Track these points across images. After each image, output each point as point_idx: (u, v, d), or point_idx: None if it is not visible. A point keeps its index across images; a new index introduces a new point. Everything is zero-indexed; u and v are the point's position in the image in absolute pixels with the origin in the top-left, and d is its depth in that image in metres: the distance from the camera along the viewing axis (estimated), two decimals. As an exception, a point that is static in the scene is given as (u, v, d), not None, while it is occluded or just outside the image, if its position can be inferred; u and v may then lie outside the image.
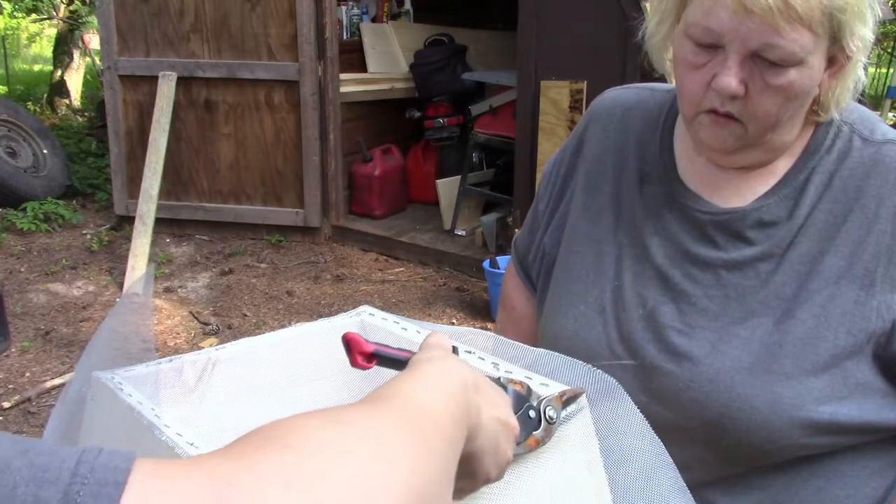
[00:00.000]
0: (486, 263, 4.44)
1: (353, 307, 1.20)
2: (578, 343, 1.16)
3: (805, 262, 1.05)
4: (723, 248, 1.10)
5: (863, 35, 0.99)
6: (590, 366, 0.93)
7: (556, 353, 0.97)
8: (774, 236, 1.07)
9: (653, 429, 1.00)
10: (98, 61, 7.74)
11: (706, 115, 1.03)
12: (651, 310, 1.12)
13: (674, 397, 1.08)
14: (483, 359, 0.99)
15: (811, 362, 1.02)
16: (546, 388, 0.92)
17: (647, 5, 1.11)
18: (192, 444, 0.83)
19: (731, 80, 0.97)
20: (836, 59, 1.01)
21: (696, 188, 1.14)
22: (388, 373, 1.10)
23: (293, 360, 1.10)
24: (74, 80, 9.45)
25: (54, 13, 9.82)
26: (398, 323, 1.12)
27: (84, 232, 5.72)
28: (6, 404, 3.54)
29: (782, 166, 1.10)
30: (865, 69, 1.05)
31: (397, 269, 5.16)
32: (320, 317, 1.08)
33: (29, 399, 3.60)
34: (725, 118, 1.02)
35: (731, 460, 1.09)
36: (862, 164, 1.06)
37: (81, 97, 9.58)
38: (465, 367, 0.73)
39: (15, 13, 11.44)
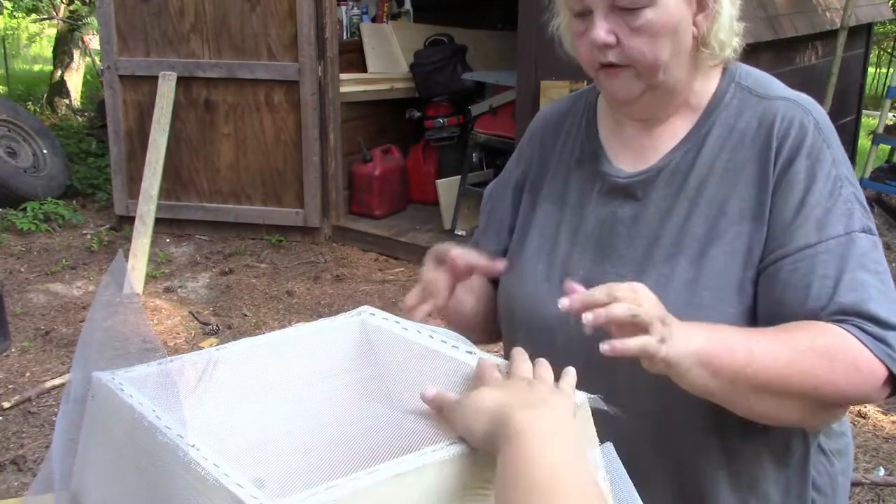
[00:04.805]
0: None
1: (354, 307, 1.20)
2: (534, 316, 1.30)
3: (713, 206, 1.20)
4: (642, 201, 1.25)
5: None
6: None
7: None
8: (685, 185, 1.22)
9: (598, 373, 1.10)
10: (98, 61, 7.74)
11: (601, 71, 1.20)
12: (588, 269, 1.26)
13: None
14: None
15: (727, 293, 1.16)
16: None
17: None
18: (193, 446, 0.83)
19: (599, 31, 1.15)
20: (704, 2, 1.17)
21: (617, 158, 1.30)
22: (390, 375, 1.10)
23: (293, 360, 1.10)
24: (74, 80, 9.44)
25: (54, 13, 9.81)
26: (398, 323, 1.12)
27: (84, 232, 5.72)
28: (6, 404, 3.54)
29: (689, 123, 1.25)
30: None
31: (397, 269, 5.15)
32: (320, 317, 1.08)
33: (29, 399, 3.60)
34: (614, 68, 1.18)
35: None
36: (756, 116, 1.21)
37: (81, 97, 9.56)
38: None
39: (15, 13, 11.44)
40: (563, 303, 1.01)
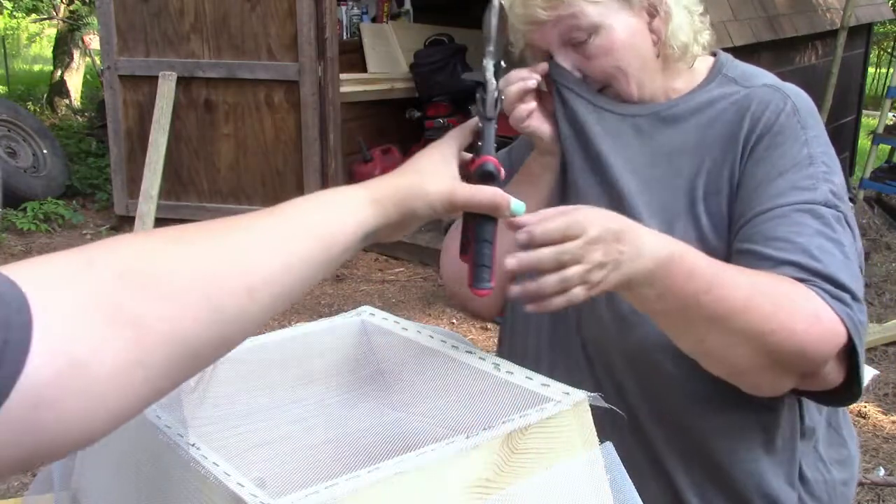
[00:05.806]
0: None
1: (353, 307, 1.20)
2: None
3: (686, 180, 1.21)
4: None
5: None
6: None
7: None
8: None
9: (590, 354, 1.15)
10: (98, 61, 7.74)
11: None
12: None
13: (597, 318, 1.24)
14: (483, 359, 1.00)
15: None
16: (547, 388, 0.93)
17: None
18: (193, 446, 0.83)
19: (567, 67, 1.23)
20: (654, 8, 1.21)
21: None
22: (389, 375, 1.10)
23: (293, 360, 1.10)
24: (74, 80, 9.44)
25: (54, 13, 9.81)
26: (398, 323, 1.12)
27: (84, 232, 5.72)
28: (6, 404, 3.54)
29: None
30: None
31: (397, 269, 5.15)
32: (320, 317, 1.08)
33: (29, 399, 3.59)
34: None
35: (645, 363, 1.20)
36: (735, 101, 1.22)
37: (81, 97, 9.56)
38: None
39: (15, 13, 11.44)
40: (520, 236, 0.95)
